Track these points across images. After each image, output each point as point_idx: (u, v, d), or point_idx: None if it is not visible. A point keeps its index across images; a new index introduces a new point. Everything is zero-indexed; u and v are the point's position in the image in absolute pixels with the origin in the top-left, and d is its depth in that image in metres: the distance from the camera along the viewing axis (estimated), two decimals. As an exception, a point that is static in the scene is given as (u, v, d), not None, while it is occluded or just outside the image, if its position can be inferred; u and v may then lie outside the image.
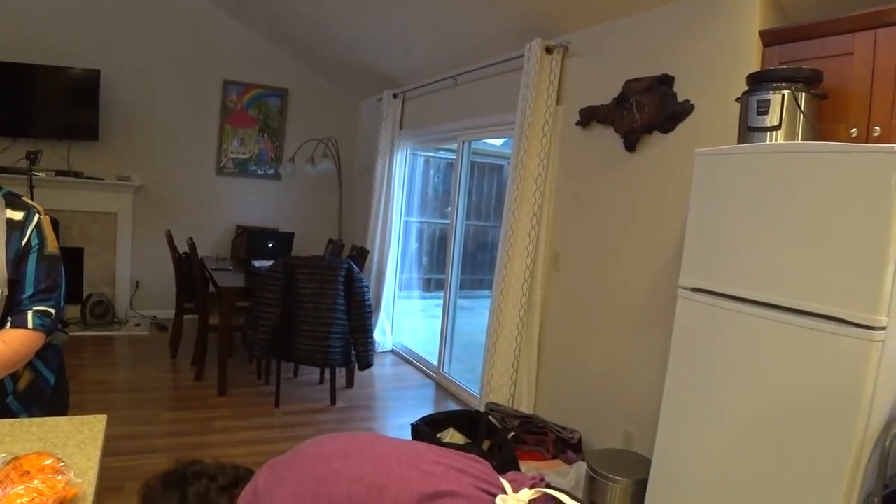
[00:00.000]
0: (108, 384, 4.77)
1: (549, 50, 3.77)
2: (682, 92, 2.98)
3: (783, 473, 1.94)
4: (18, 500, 1.04)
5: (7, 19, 5.73)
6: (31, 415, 1.76)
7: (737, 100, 2.41)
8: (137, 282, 6.52)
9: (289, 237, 5.77)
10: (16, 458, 1.18)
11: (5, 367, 1.61)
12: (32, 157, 5.40)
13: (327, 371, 4.76)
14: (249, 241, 5.77)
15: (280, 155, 6.88)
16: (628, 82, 3.24)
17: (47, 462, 1.14)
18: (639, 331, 3.18)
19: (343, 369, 4.87)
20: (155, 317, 6.48)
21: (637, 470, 2.82)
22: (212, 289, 4.91)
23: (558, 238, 3.80)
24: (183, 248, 5.17)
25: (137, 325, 6.28)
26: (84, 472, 1.27)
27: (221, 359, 4.56)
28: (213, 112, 6.61)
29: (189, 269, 5.05)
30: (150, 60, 6.27)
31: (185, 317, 5.35)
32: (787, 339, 1.94)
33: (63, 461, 1.18)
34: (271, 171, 6.87)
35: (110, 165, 6.20)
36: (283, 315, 4.14)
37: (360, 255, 5.24)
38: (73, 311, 6.07)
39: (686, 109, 2.94)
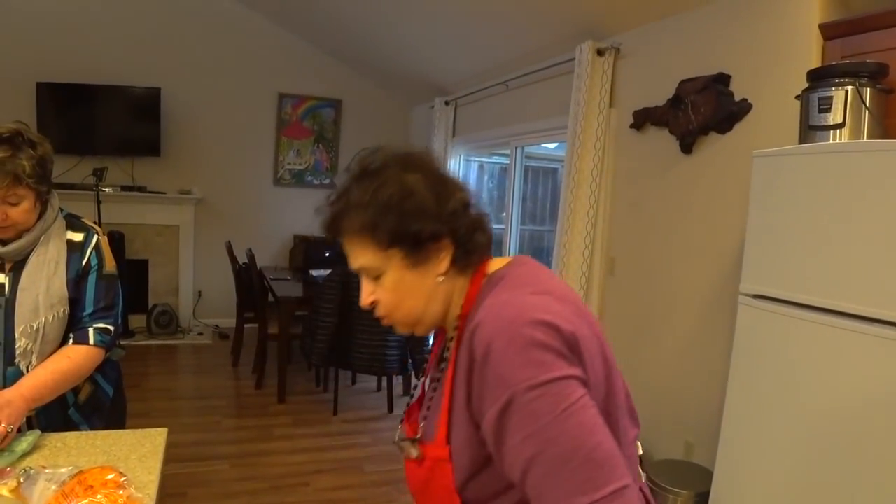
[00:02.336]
0: (172, 392, 4.90)
1: (600, 52, 3.72)
2: (738, 91, 2.90)
3: (852, 486, 1.85)
4: (82, 513, 1.07)
5: (71, 43, 5.98)
6: (91, 425, 1.81)
7: (797, 97, 2.33)
8: (200, 291, 6.68)
9: (345, 246, 5.84)
10: (80, 472, 1.21)
11: (70, 381, 1.67)
12: (99, 174, 5.60)
13: (384, 379, 4.78)
14: (307, 250, 5.85)
15: (335, 164, 6.97)
16: (682, 82, 3.17)
17: (110, 476, 1.17)
18: (698, 338, 3.11)
19: (400, 377, 4.88)
20: (217, 326, 6.63)
21: (698, 482, 2.75)
22: (271, 298, 5.00)
23: (614, 243, 3.74)
24: (242, 258, 5.27)
25: (200, 333, 6.44)
26: (145, 486, 1.30)
27: (281, 367, 4.63)
28: (269, 124, 6.74)
29: (249, 279, 5.15)
30: (207, 76, 6.43)
31: (246, 325, 5.47)
32: (856, 347, 1.86)
33: (125, 475, 1.21)
34: (327, 181, 6.96)
35: (172, 179, 6.39)
36: (341, 324, 4.18)
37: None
38: (138, 321, 6.26)
39: (743, 109, 2.85)
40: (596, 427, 0.88)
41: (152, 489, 1.29)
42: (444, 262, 1.05)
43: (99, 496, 1.11)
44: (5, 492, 1.09)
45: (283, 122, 6.77)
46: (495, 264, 1.10)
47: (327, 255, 5.75)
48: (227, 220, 6.65)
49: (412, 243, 1.01)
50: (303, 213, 6.83)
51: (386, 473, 3.64)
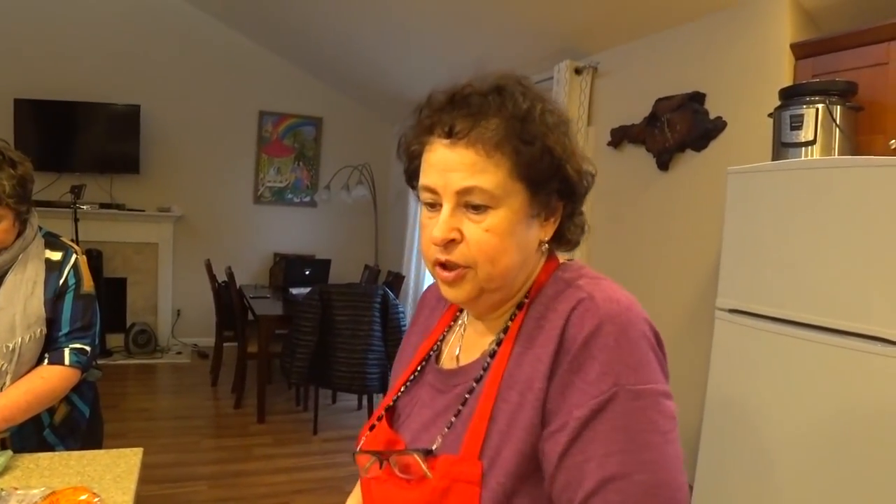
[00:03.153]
0: (150, 412, 4.84)
1: (578, 71, 3.77)
2: (713, 109, 2.95)
3: (831, 499, 1.87)
4: (54, 535, 1.06)
5: (50, 60, 5.93)
6: (67, 447, 1.79)
7: (769, 115, 2.37)
8: (179, 310, 6.62)
9: (326, 264, 5.82)
10: (53, 493, 1.20)
11: (43, 402, 1.65)
12: (76, 191, 5.54)
13: (365, 397, 4.75)
14: (287, 268, 5.83)
15: (316, 182, 6.96)
16: (659, 101, 3.22)
17: (82, 497, 1.16)
18: (676, 353, 3.11)
19: (381, 395, 4.85)
20: (196, 345, 6.57)
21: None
22: (251, 316, 4.96)
23: (592, 258, 3.76)
24: (222, 276, 5.24)
25: (179, 353, 6.37)
26: (119, 506, 1.29)
27: (260, 386, 4.60)
28: (249, 142, 6.72)
29: (228, 297, 5.11)
30: (187, 94, 6.41)
31: (225, 344, 5.42)
32: (832, 360, 1.89)
33: (98, 496, 1.19)
34: (307, 199, 6.95)
35: (151, 197, 6.34)
36: (321, 342, 4.16)
37: (396, 280, 5.26)
38: (116, 340, 6.19)
39: (718, 126, 2.90)
40: (682, 465, 0.77)
41: (127, 509, 1.28)
42: (552, 227, 0.91)
43: (71, 517, 1.10)
44: (-26, 514, 1.07)
45: (263, 140, 6.76)
46: (561, 256, 0.98)
47: (307, 272, 5.73)
48: (206, 237, 6.61)
49: (553, 186, 0.87)
50: (283, 231, 6.82)
51: (366, 492, 3.61)
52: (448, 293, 0.90)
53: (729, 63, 2.88)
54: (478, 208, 0.84)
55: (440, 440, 0.87)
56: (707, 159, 2.97)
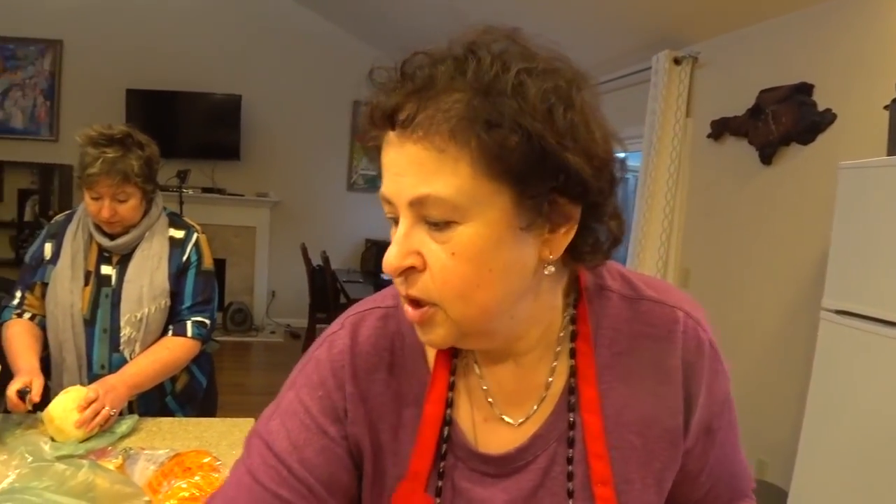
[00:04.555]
0: (244, 387, 5.05)
1: (677, 61, 3.69)
2: (822, 100, 2.83)
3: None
4: (181, 493, 1.14)
5: (159, 53, 6.27)
6: (186, 413, 1.91)
7: (885, 107, 2.26)
8: (273, 291, 6.87)
9: (415, 251, 5.91)
10: (177, 454, 1.29)
11: (168, 370, 1.78)
12: (182, 176, 5.83)
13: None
14: (378, 254, 5.93)
15: (407, 171, 7.04)
16: (763, 92, 3.11)
17: (206, 460, 1.24)
18: (775, 353, 3.04)
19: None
20: (289, 325, 6.79)
21: (771, 501, 2.69)
22: (343, 299, 5.10)
23: (689, 254, 3.69)
24: (317, 260, 5.40)
25: (272, 332, 6.62)
26: (237, 470, 1.37)
27: (350, 368, 4.71)
28: (343, 131, 6.87)
29: (322, 280, 5.27)
30: (286, 84, 6.61)
31: (318, 326, 5.59)
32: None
33: (219, 459, 1.28)
34: (399, 187, 7.06)
35: (250, 182, 6.59)
36: (410, 327, 4.24)
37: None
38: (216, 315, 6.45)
39: (827, 119, 2.79)
40: None
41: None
42: (561, 241, 0.64)
43: (196, 478, 1.18)
44: (112, 468, 1.17)
45: (357, 129, 6.89)
46: None
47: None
48: (301, 222, 6.82)
49: (548, 183, 0.60)
50: (375, 218, 6.94)
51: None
52: (421, 337, 0.68)
53: (839, 53, 2.76)
54: (438, 225, 0.61)
55: None
56: (814, 153, 2.86)
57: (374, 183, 6.98)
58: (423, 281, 0.62)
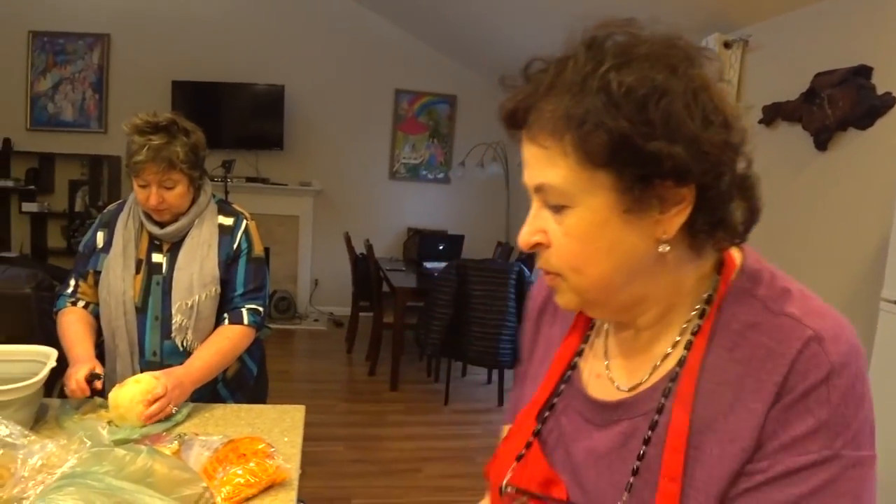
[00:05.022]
0: (289, 374, 5.12)
1: (727, 45, 3.60)
2: (881, 84, 2.74)
3: None
4: (236, 479, 1.16)
5: (203, 45, 6.36)
6: (236, 400, 1.94)
7: (952, 91, 2.18)
8: (316, 280, 6.94)
9: (459, 240, 5.90)
10: (231, 441, 1.30)
11: (228, 360, 1.81)
12: (227, 166, 5.93)
13: (495, 372, 4.81)
14: (421, 243, 5.95)
15: (449, 159, 7.05)
16: (818, 75, 3.02)
17: (260, 446, 1.25)
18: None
19: (511, 370, 4.89)
20: (332, 313, 6.86)
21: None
22: (386, 288, 5.12)
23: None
24: (360, 248, 5.43)
25: (316, 320, 6.69)
26: (289, 458, 1.38)
27: (395, 356, 4.75)
28: (385, 120, 6.89)
29: (365, 269, 5.30)
30: (328, 74, 6.65)
31: (361, 314, 5.63)
32: None
33: (273, 446, 1.29)
34: (441, 176, 7.06)
35: (293, 172, 6.65)
36: (455, 316, 4.24)
37: (530, 257, 5.25)
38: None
39: (887, 103, 2.70)
40: None
41: (295, 461, 1.37)
42: (673, 221, 0.68)
43: (251, 464, 1.19)
44: (169, 453, 1.18)
45: (399, 118, 6.91)
46: (733, 251, 0.76)
47: (441, 247, 5.83)
48: (344, 211, 6.87)
49: (641, 171, 0.65)
50: (417, 207, 6.97)
51: (496, 465, 3.68)
52: (556, 300, 0.78)
53: (901, 34, 2.66)
54: (556, 208, 0.70)
55: None
56: (872, 138, 2.77)
57: (415, 172, 6.99)
58: (547, 255, 0.73)
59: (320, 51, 6.60)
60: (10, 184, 6.16)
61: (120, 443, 1.39)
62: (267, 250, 6.49)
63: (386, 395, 4.68)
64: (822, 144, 3.00)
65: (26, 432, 1.22)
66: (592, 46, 0.68)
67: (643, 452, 0.71)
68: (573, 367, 0.85)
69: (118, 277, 1.78)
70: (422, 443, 3.89)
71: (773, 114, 3.33)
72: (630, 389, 0.77)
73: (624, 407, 0.76)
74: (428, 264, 5.49)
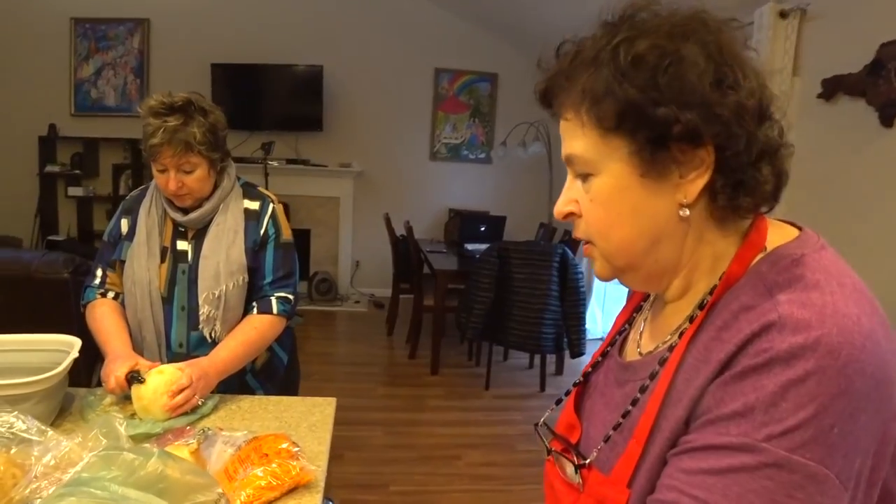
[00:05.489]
0: (329, 356, 5.12)
1: (783, 14, 3.40)
2: (956, 53, 2.54)
3: None
4: (257, 482, 1.09)
5: (241, 26, 6.34)
6: (266, 391, 1.87)
7: None
8: (357, 261, 6.91)
9: (501, 221, 5.79)
10: (255, 438, 1.23)
11: (256, 350, 1.74)
12: (267, 148, 5.92)
13: (537, 356, 4.71)
14: (462, 224, 5.87)
15: (491, 139, 6.92)
16: (884, 46, 2.82)
17: (283, 445, 1.18)
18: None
19: (553, 356, 4.79)
20: (373, 295, 6.83)
21: None
22: (426, 270, 5.05)
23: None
24: (400, 230, 5.36)
25: (357, 302, 6.67)
26: (316, 456, 1.31)
27: (435, 339, 4.68)
28: (425, 99, 6.79)
29: (405, 250, 5.24)
30: (367, 54, 6.58)
31: (402, 296, 5.58)
32: None
33: (297, 445, 1.22)
34: (482, 156, 6.94)
35: (333, 153, 6.62)
36: (497, 299, 4.15)
37: (573, 240, 5.13)
38: (300, 287, 6.50)
39: (961, 74, 2.50)
40: None
41: (323, 461, 1.30)
42: (693, 185, 0.70)
43: (273, 465, 1.12)
44: (186, 453, 1.12)
45: (439, 97, 6.80)
46: (776, 234, 0.73)
47: (482, 229, 5.73)
48: (384, 192, 6.81)
49: (651, 134, 0.68)
50: (458, 187, 6.87)
51: (537, 454, 3.58)
52: (593, 270, 0.85)
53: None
54: (584, 177, 0.76)
55: (595, 454, 0.79)
56: (943, 112, 2.58)
57: (456, 152, 6.88)
58: (578, 223, 0.78)
59: (359, 30, 6.52)
60: (56, 168, 6.27)
61: (141, 437, 1.34)
62: (307, 232, 6.63)
63: (426, 378, 4.62)
64: (887, 120, 2.81)
65: (44, 427, 1.17)
66: (608, 24, 0.73)
67: (627, 411, 0.77)
68: (622, 332, 0.93)
69: (143, 267, 1.71)
70: (461, 429, 3.83)
71: (834, 87, 3.13)
72: (644, 354, 0.82)
73: (632, 369, 0.82)
74: (469, 246, 5.40)
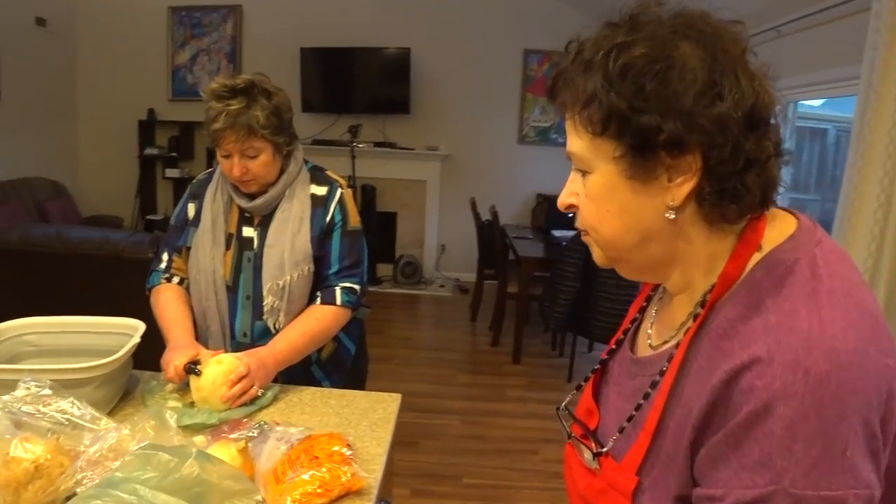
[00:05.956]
0: (410, 341, 5.11)
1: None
2: None
3: None
4: (304, 487, 1.03)
5: (329, 10, 6.40)
6: (332, 382, 1.82)
7: None
8: (443, 245, 6.88)
9: (588, 207, 5.61)
10: (308, 437, 1.18)
11: (317, 342, 1.68)
12: (354, 131, 5.94)
13: (622, 349, 4.53)
14: (549, 210, 5.73)
15: (581, 122, 6.72)
16: None
17: (336, 447, 1.12)
18: None
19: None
20: (458, 279, 6.79)
21: None
22: (512, 256, 4.95)
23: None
24: (485, 215, 5.28)
25: (441, 286, 6.65)
26: (372, 460, 1.24)
27: (518, 327, 4.58)
28: (514, 81, 6.64)
29: (491, 235, 5.15)
30: (454, 35, 6.50)
31: (486, 282, 5.50)
32: None
33: (352, 448, 1.15)
34: (572, 140, 6.74)
35: (420, 136, 6.59)
36: (583, 289, 4.00)
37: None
38: (385, 270, 6.65)
39: None
40: None
41: (378, 466, 1.21)
42: (680, 189, 0.71)
43: (323, 469, 1.06)
44: (234, 451, 1.07)
45: (528, 79, 6.64)
46: (774, 230, 0.75)
47: (570, 216, 5.56)
48: (471, 176, 6.72)
49: (634, 140, 0.71)
50: (546, 172, 6.69)
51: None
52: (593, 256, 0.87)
53: None
54: (582, 173, 0.79)
55: (612, 443, 0.83)
56: None
57: (545, 135, 6.72)
58: (578, 214, 0.81)
59: (446, 12, 6.45)
60: (154, 151, 6.53)
61: (197, 427, 1.31)
62: (393, 215, 6.64)
63: (507, 367, 4.53)
64: None
65: (97, 414, 1.15)
66: (611, 25, 0.75)
67: (639, 405, 0.80)
68: (635, 321, 0.94)
69: (207, 255, 1.68)
70: (541, 422, 3.72)
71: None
72: (654, 348, 0.85)
73: (641, 364, 0.85)
74: (556, 233, 5.25)
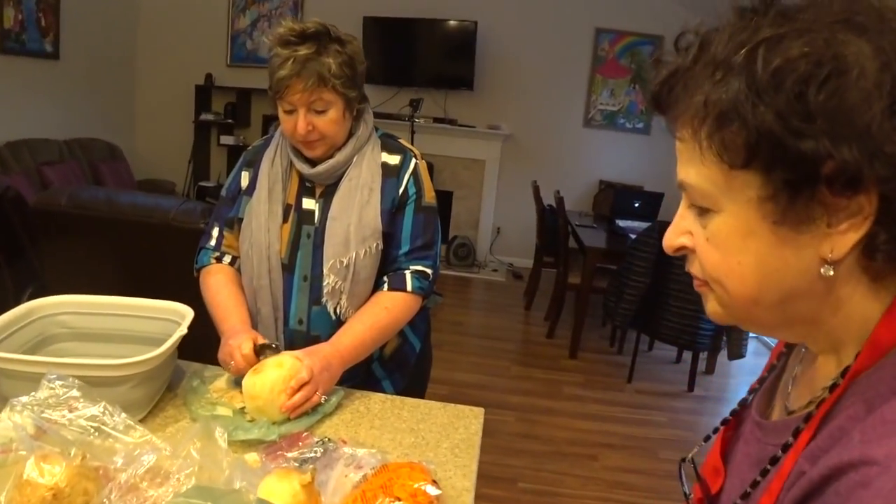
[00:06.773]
0: (463, 326, 4.91)
1: None
2: None
3: None
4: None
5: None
6: (394, 381, 1.62)
7: None
8: (499, 228, 6.65)
9: (657, 198, 5.30)
10: (385, 468, 0.97)
11: (386, 335, 1.47)
12: (414, 105, 5.71)
13: (685, 351, 4.26)
14: (615, 198, 5.45)
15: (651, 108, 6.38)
16: None
17: (418, 485, 0.91)
18: None
19: (705, 353, 4.32)
20: (511, 264, 6.56)
21: None
22: (573, 244, 4.69)
23: None
24: (549, 199, 5.01)
25: (495, 270, 6.43)
26: (457, 496, 1.03)
27: (577, 320, 4.34)
28: (583, 62, 6.33)
29: (553, 222, 4.89)
30: (523, 10, 6.19)
31: (543, 269, 5.26)
32: None
33: (436, 483, 0.94)
34: (640, 126, 6.41)
35: (482, 114, 6.33)
36: (653, 286, 3.73)
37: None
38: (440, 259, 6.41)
39: None
40: None
41: (468, 499, 1.01)
42: (844, 238, 0.54)
43: (403, 513, 0.85)
44: (297, 485, 0.87)
45: (598, 60, 6.32)
46: None
47: (636, 205, 5.29)
48: (532, 158, 6.45)
49: (791, 175, 0.52)
50: (612, 158, 6.39)
51: (685, 463, 3.21)
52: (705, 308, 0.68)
53: None
54: (701, 210, 0.60)
55: None
56: None
57: (612, 119, 6.41)
58: (693, 258, 0.63)
59: (515, -16, 6.14)
60: (210, 117, 6.40)
61: (253, 443, 1.12)
62: (449, 194, 6.42)
63: (564, 362, 4.30)
64: None
65: (132, 423, 0.96)
66: (746, 14, 0.56)
67: (766, 469, 0.63)
68: (773, 369, 0.77)
69: (262, 228, 1.47)
70: (600, 424, 3.49)
71: None
72: (789, 413, 0.67)
73: (767, 430, 0.68)
74: (621, 222, 4.98)
